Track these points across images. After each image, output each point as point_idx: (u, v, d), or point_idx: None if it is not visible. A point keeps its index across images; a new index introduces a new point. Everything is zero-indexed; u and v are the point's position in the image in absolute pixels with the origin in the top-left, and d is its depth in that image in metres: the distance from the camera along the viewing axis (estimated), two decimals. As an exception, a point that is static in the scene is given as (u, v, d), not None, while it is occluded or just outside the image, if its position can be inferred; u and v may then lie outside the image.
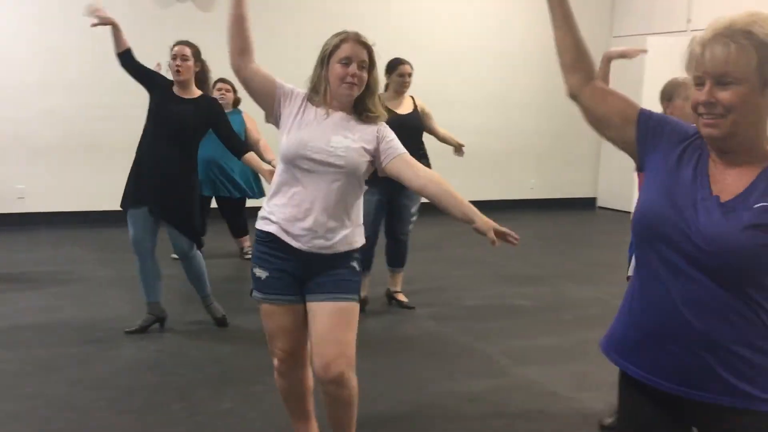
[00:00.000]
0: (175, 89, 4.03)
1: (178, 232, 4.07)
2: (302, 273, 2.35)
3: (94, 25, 3.87)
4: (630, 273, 3.29)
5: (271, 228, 2.32)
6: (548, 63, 9.50)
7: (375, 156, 2.35)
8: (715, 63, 1.39)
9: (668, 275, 1.47)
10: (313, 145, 2.27)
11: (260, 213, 2.40)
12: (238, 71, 2.29)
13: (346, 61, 2.27)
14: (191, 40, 4.07)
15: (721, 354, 1.44)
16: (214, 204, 5.97)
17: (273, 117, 2.39)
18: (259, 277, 2.36)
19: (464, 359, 3.87)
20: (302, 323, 2.40)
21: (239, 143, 4.26)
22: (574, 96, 1.65)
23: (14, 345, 3.90)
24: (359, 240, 2.41)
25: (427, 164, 4.65)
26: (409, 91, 4.63)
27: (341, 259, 2.36)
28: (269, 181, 3.92)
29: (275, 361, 2.47)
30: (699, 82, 1.43)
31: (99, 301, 4.77)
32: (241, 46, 2.25)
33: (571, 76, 1.66)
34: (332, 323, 2.31)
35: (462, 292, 5.17)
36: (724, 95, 1.39)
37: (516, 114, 9.15)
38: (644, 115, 1.59)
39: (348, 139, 2.30)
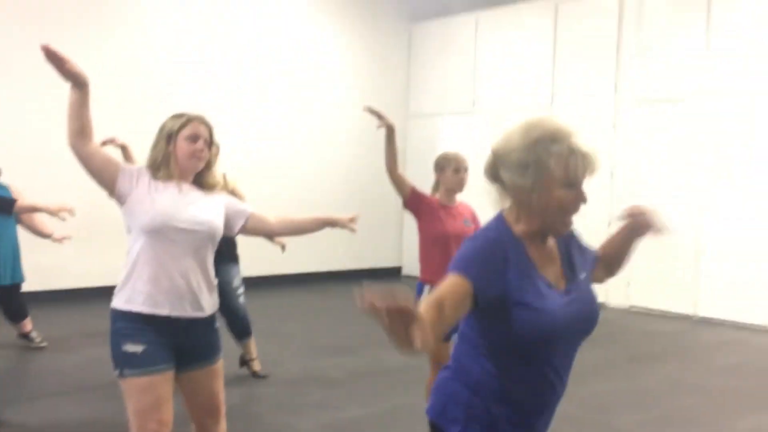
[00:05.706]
0: None
1: None
2: (177, 341, 2.41)
3: None
4: None
5: (139, 302, 2.36)
6: (330, 134, 9.76)
7: (229, 219, 2.61)
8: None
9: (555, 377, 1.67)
10: (178, 216, 2.41)
11: (119, 290, 2.40)
12: (75, 150, 2.34)
13: (194, 138, 2.47)
14: None
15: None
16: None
17: (116, 195, 2.45)
18: (135, 353, 2.35)
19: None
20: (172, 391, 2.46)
21: (4, 201, 4.01)
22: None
23: None
24: (218, 302, 2.59)
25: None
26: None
27: (211, 322, 2.54)
28: (56, 215, 3.72)
29: None
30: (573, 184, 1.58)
31: None
32: (79, 128, 2.31)
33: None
34: (217, 384, 2.56)
35: (273, 367, 5.05)
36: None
37: (309, 183, 9.18)
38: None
39: (206, 208, 2.51)
